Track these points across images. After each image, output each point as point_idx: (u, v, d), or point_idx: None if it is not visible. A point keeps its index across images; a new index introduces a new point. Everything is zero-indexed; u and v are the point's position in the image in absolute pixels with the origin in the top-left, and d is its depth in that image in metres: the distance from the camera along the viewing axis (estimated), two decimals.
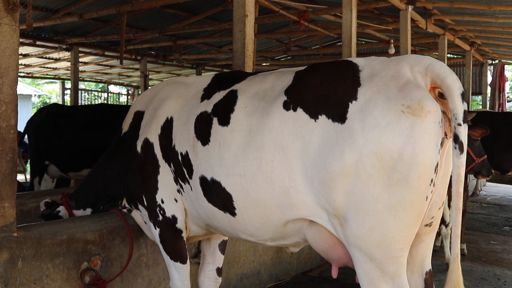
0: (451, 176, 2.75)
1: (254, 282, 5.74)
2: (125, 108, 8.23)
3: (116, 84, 24.91)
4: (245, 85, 3.35)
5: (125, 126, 4.23)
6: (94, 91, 26.00)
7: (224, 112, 3.28)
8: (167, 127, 3.71)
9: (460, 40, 14.04)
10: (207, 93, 3.58)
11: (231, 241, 5.29)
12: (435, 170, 2.66)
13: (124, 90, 27.02)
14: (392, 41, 12.39)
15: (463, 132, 2.62)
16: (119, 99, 25.64)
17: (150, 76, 19.32)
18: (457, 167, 2.64)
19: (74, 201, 4.53)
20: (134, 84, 24.19)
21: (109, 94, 24.90)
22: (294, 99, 2.95)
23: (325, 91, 2.86)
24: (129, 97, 24.78)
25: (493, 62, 18.33)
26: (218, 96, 3.43)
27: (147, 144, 3.81)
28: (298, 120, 2.88)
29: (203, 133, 3.35)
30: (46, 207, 4.58)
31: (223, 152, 3.18)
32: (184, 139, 3.51)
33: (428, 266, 3.08)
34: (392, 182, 2.61)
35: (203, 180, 3.34)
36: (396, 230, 2.67)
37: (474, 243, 8.38)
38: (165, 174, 3.72)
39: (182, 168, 3.53)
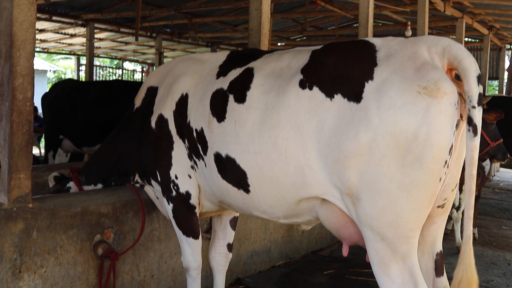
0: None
1: (265, 260, 5.79)
2: (139, 84, 8.25)
3: (130, 61, 24.94)
4: (261, 63, 3.35)
5: (138, 101, 4.24)
6: (109, 67, 26.06)
7: (240, 90, 3.28)
8: (182, 103, 3.72)
9: (479, 23, 13.86)
10: (222, 70, 3.58)
11: (242, 218, 5.32)
12: (450, 152, 2.65)
13: (138, 67, 27.04)
14: (409, 23, 12.25)
15: (477, 115, 2.60)
16: (133, 76, 25.69)
17: (164, 54, 19.31)
18: (470, 150, 2.64)
19: (84, 177, 4.52)
20: (148, 61, 24.20)
21: (124, 71, 24.94)
22: (310, 77, 2.95)
23: (341, 71, 2.86)
24: (143, 74, 24.80)
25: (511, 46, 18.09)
26: (234, 73, 3.43)
27: (162, 120, 3.83)
28: (314, 98, 2.88)
29: (219, 110, 3.36)
30: (56, 182, 4.58)
31: (239, 129, 3.20)
32: (199, 116, 3.52)
33: (439, 247, 3.09)
34: (406, 163, 2.61)
35: (217, 156, 3.36)
36: (408, 210, 2.67)
37: (486, 228, 8.36)
38: (179, 150, 3.74)
39: (197, 145, 3.55)
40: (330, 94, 2.83)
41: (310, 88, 2.92)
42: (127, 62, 25.63)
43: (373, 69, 2.76)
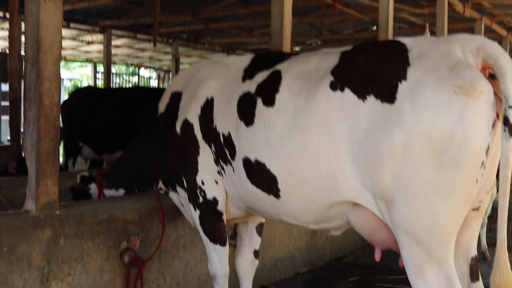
0: None
1: (289, 267, 5.73)
2: (159, 90, 8.25)
3: (146, 67, 25.02)
4: (288, 65, 3.31)
5: (162, 107, 4.21)
6: (125, 74, 26.17)
7: (268, 93, 3.24)
8: (208, 107, 3.68)
9: (497, 24, 13.70)
10: (248, 73, 3.54)
11: (266, 225, 5.25)
12: (486, 153, 2.59)
13: (154, 74, 27.14)
14: (427, 25, 12.13)
15: None
16: (149, 83, 25.76)
17: (180, 60, 19.30)
18: (506, 151, 2.57)
19: (106, 180, 4.51)
20: (164, 68, 24.26)
21: (140, 78, 25.03)
22: (341, 79, 2.91)
23: (373, 71, 2.81)
24: (159, 81, 24.86)
25: None
26: (261, 76, 3.39)
27: (187, 124, 3.79)
28: (346, 100, 2.83)
29: (246, 113, 3.32)
30: (80, 182, 4.56)
31: (268, 133, 3.15)
32: (226, 120, 3.48)
33: (474, 251, 3.02)
34: (442, 164, 2.56)
35: (246, 161, 3.31)
36: (445, 213, 2.62)
37: (510, 233, 8.21)
38: (205, 155, 3.70)
39: (224, 149, 3.50)
40: (362, 96, 2.78)
41: (342, 90, 2.87)
42: (142, 68, 25.72)
43: (406, 69, 2.71)
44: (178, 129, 3.86)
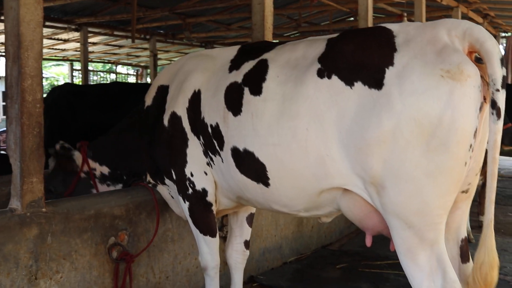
0: None
1: (276, 257, 5.74)
2: (140, 85, 8.18)
3: (124, 64, 24.84)
4: (274, 54, 3.30)
5: (148, 100, 4.18)
6: (102, 71, 25.95)
7: (255, 82, 3.23)
8: (195, 99, 3.66)
9: (474, 12, 13.84)
10: (235, 64, 3.52)
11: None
12: (474, 135, 2.62)
13: (131, 71, 26.95)
14: (405, 14, 12.22)
15: (501, 98, 2.57)
16: (127, 80, 25.58)
17: (158, 56, 19.19)
18: (493, 133, 2.61)
19: (91, 152, 4.42)
20: (142, 64, 24.10)
21: (117, 75, 24.83)
22: (328, 66, 2.91)
23: (360, 58, 2.82)
24: (137, 77, 24.70)
25: (506, 34, 18.11)
26: (248, 66, 3.38)
27: (175, 117, 3.77)
28: (333, 87, 2.83)
29: (234, 103, 3.31)
30: (61, 149, 4.44)
31: (256, 122, 3.14)
32: (213, 111, 3.47)
33: (463, 233, 3.06)
34: (431, 148, 2.58)
35: (235, 151, 3.30)
36: (435, 196, 2.64)
37: None
38: (194, 147, 3.68)
39: (213, 140, 3.49)
40: (350, 82, 2.79)
41: (329, 77, 2.87)
42: (120, 66, 25.53)
43: (393, 54, 2.72)
44: (166, 122, 3.83)
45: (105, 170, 4.39)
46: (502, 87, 2.56)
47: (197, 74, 3.73)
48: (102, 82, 23.16)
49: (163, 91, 4.02)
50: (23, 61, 3.28)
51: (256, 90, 3.20)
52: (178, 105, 3.76)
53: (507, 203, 9.42)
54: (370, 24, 7.53)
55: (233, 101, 3.32)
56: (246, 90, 3.26)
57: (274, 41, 4.08)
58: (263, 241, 5.53)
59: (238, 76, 3.39)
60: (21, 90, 3.28)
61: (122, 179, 4.34)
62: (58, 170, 4.47)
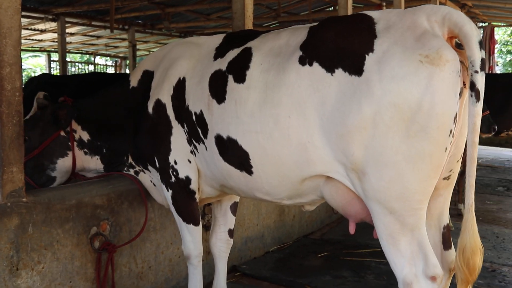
0: None
1: (258, 246, 5.75)
2: (119, 75, 8.10)
3: (102, 55, 24.58)
4: (258, 42, 3.30)
5: (134, 81, 4.06)
6: (80, 62, 25.67)
7: (239, 70, 3.23)
8: (180, 87, 3.64)
9: (451, 2, 13.94)
10: (220, 52, 3.51)
11: None
12: (454, 121, 2.64)
13: (110, 62, 26.68)
14: (384, 4, 12.27)
15: (480, 80, 2.58)
16: (106, 70, 25.34)
17: (137, 46, 19.04)
18: (473, 116, 2.60)
19: (76, 113, 4.10)
20: (120, 55, 23.88)
21: (96, 66, 24.59)
22: (309, 54, 2.92)
23: (340, 45, 2.82)
24: (116, 68, 24.48)
25: (483, 24, 18.27)
26: (232, 54, 3.37)
27: (159, 105, 3.74)
28: (315, 74, 2.84)
29: (218, 91, 3.30)
30: (44, 98, 4.16)
31: (239, 110, 3.14)
32: (198, 99, 3.45)
33: (445, 220, 3.09)
34: (411, 133, 2.59)
35: (218, 139, 3.30)
36: (415, 181, 2.66)
37: None
38: (178, 135, 3.66)
39: (197, 128, 3.48)
40: (330, 69, 2.79)
41: (310, 64, 2.88)
42: (98, 57, 25.27)
43: (373, 41, 2.73)
44: (150, 109, 3.79)
45: (86, 136, 4.13)
46: (481, 69, 2.57)
47: (183, 61, 3.71)
48: (80, 73, 22.91)
49: (148, 76, 3.97)
50: (1, 48, 3.22)
51: (240, 78, 3.19)
52: (163, 93, 3.73)
53: (484, 191, 9.56)
54: (350, 13, 7.55)
55: (217, 88, 3.31)
56: (230, 78, 3.25)
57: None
58: (245, 231, 5.54)
59: (222, 64, 3.38)
60: (0, 79, 3.23)
61: (101, 151, 4.14)
62: (38, 120, 4.09)
